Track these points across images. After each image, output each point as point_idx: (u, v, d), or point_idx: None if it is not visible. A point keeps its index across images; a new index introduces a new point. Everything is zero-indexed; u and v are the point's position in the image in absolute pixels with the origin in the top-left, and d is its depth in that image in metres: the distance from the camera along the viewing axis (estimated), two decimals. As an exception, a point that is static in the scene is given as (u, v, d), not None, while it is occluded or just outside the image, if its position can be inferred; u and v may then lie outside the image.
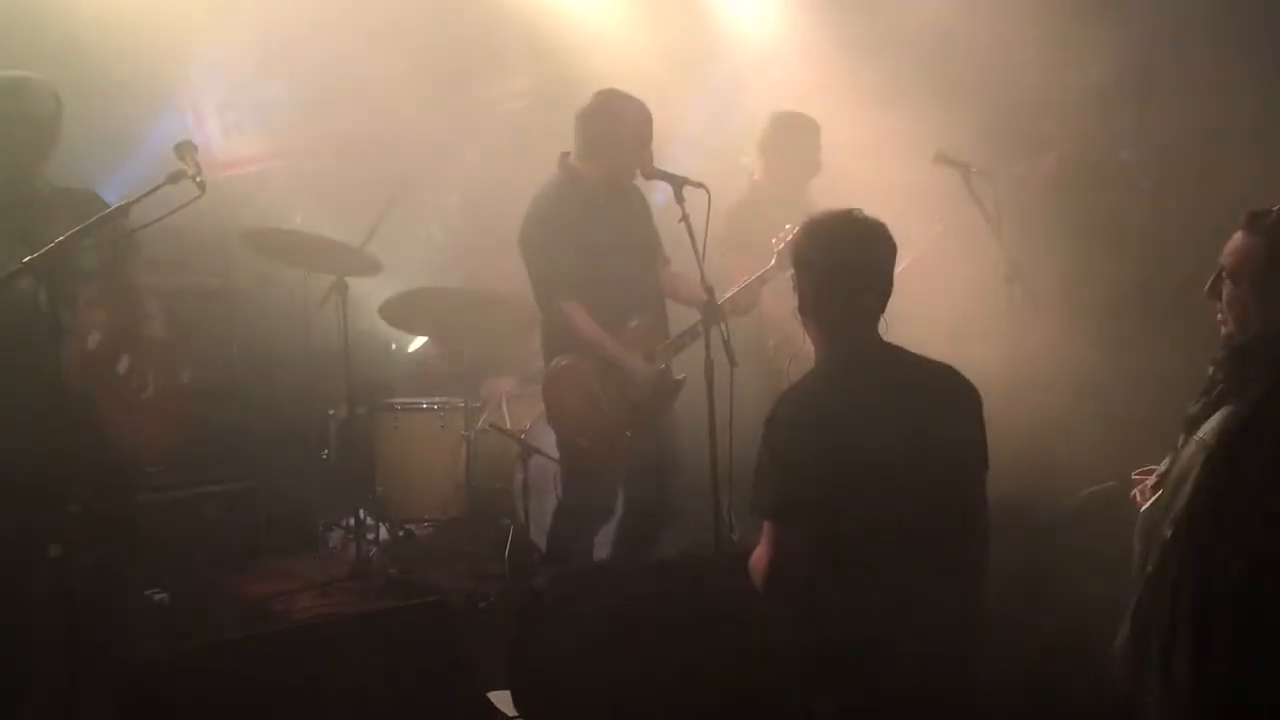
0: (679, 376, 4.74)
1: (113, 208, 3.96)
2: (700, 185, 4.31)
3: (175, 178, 3.87)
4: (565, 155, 4.72)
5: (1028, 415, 4.90)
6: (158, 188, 3.87)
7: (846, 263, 2.97)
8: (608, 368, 4.60)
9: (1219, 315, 2.91)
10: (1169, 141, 5.74)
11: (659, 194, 5.08)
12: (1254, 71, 5.56)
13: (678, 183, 4.36)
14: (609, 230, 4.63)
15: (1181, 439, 2.84)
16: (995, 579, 3.50)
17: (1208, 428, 2.74)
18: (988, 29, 5.78)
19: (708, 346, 4.28)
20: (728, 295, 4.48)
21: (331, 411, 6.24)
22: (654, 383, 4.64)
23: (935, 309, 5.04)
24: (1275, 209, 2.84)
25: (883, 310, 3.03)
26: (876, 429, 2.89)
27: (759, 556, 2.98)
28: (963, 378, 3.06)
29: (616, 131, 4.61)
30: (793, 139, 5.49)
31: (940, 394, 3.01)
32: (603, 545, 5.11)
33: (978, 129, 5.53)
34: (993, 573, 3.23)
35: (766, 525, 2.97)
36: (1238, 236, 2.87)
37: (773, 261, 4.67)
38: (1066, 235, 5.51)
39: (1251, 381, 2.75)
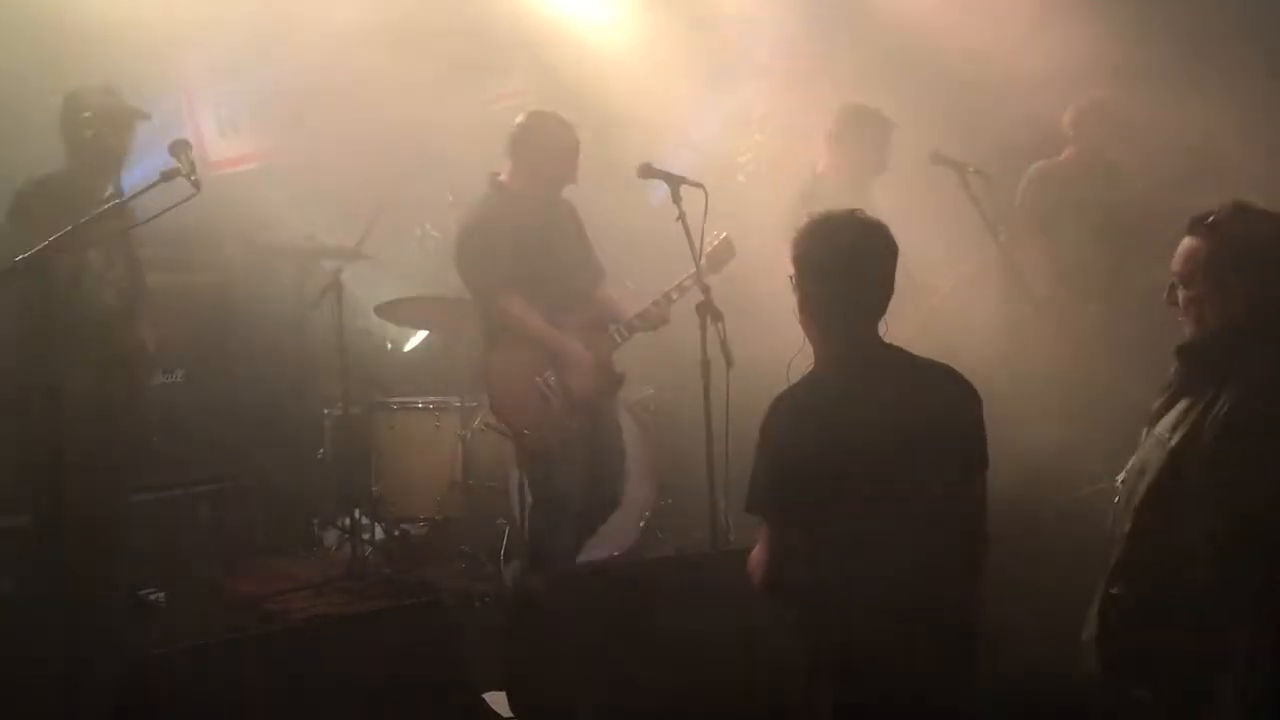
0: (618, 370, 4.89)
1: (108, 205, 3.98)
2: (698, 185, 4.33)
3: (170, 176, 3.88)
4: (495, 175, 4.87)
5: (1024, 414, 4.90)
6: (153, 185, 3.88)
7: (847, 264, 2.94)
8: (550, 360, 4.71)
9: (1180, 321, 3.01)
10: (1164, 141, 5.74)
11: (654, 193, 5.09)
12: (1252, 68, 5.57)
13: (675, 182, 4.38)
14: (540, 239, 4.77)
15: (1144, 433, 2.97)
16: (991, 578, 3.50)
17: (1164, 423, 2.88)
18: (984, 25, 5.78)
19: (704, 347, 4.28)
20: (637, 312, 4.76)
21: (327, 411, 6.23)
22: (594, 369, 4.75)
23: (934, 308, 5.06)
24: (1216, 211, 2.93)
25: (883, 311, 3.01)
26: (875, 429, 2.87)
27: (757, 555, 2.98)
28: (962, 378, 3.04)
29: (544, 149, 4.77)
30: (862, 133, 5.39)
31: (940, 395, 2.99)
32: (592, 547, 5.21)
33: (974, 127, 5.53)
34: (990, 573, 3.24)
35: (764, 524, 2.97)
36: (1184, 242, 2.96)
37: (694, 270, 4.56)
38: (1064, 235, 5.52)
39: (1203, 378, 2.88)
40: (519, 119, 4.85)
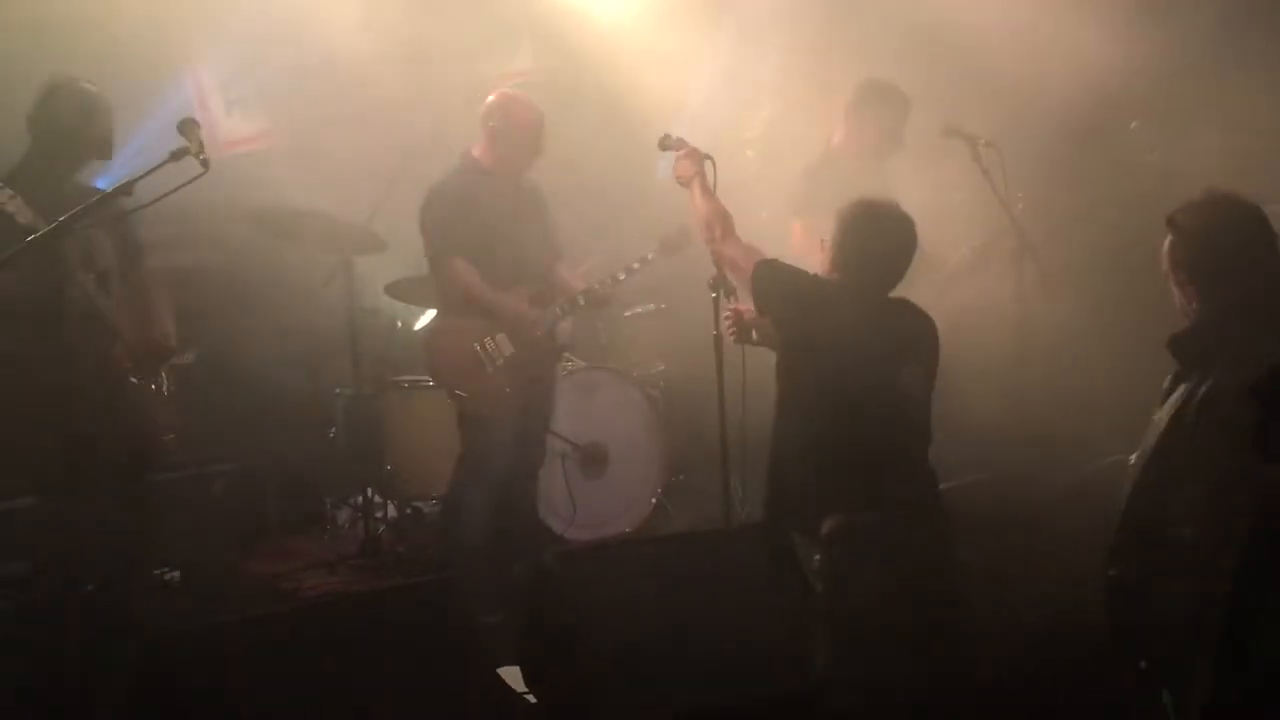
0: (560, 342, 5.16)
1: (117, 185, 3.97)
2: (708, 157, 4.32)
3: (178, 155, 3.88)
4: (468, 150, 5.06)
5: (1033, 389, 4.89)
6: (161, 165, 3.87)
7: (885, 249, 3.60)
8: (490, 327, 4.90)
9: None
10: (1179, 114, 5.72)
11: (660, 165, 5.13)
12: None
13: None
14: (500, 214, 4.96)
15: (1155, 414, 3.04)
16: (994, 554, 3.52)
17: (1164, 407, 2.97)
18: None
19: (717, 322, 4.28)
20: (583, 289, 5.01)
21: (338, 390, 6.23)
22: (539, 326, 4.95)
23: (947, 279, 5.03)
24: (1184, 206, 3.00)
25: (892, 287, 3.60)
26: (871, 330, 3.53)
27: (742, 258, 3.81)
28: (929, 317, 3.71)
29: (510, 130, 4.97)
30: (881, 108, 5.36)
31: (914, 320, 3.69)
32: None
33: (986, 100, 5.50)
34: (991, 549, 3.30)
35: (762, 269, 3.71)
36: (1166, 239, 3.01)
37: (650, 255, 5.10)
38: (1075, 210, 5.49)
39: (1193, 365, 2.94)
40: (489, 99, 5.04)
